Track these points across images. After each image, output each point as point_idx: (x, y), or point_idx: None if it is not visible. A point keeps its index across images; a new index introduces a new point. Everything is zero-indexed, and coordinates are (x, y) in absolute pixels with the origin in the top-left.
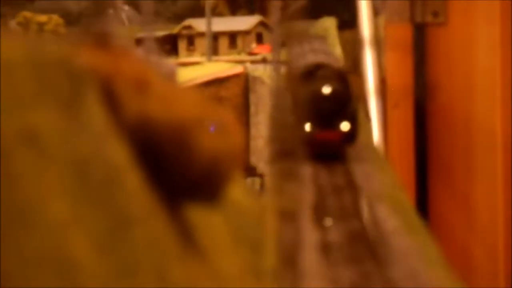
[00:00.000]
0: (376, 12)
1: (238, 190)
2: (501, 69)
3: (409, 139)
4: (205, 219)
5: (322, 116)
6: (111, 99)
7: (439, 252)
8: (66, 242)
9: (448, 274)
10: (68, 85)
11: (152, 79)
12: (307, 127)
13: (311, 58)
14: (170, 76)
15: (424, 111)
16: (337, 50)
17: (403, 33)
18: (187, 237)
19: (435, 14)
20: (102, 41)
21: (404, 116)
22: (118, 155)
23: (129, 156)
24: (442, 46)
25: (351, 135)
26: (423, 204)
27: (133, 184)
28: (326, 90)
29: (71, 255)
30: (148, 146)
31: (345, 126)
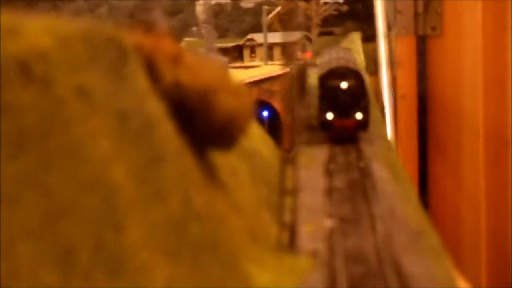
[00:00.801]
0: (389, 28)
1: (259, 141)
2: (483, 70)
3: (413, 122)
4: (227, 162)
5: (340, 107)
6: (152, 68)
7: (416, 197)
8: (109, 171)
9: (420, 213)
10: (115, 56)
11: (184, 56)
12: (329, 115)
13: (335, 64)
14: (223, 66)
15: (424, 101)
16: (360, 58)
17: (409, 43)
18: (210, 174)
19: (433, 28)
20: (148, 28)
21: (410, 105)
22: (156, 108)
23: (165, 110)
24: (438, 53)
25: (364, 123)
26: (424, 172)
27: (166, 130)
28: (344, 85)
29: (113, 181)
30: (180, 104)
31: (358, 115)
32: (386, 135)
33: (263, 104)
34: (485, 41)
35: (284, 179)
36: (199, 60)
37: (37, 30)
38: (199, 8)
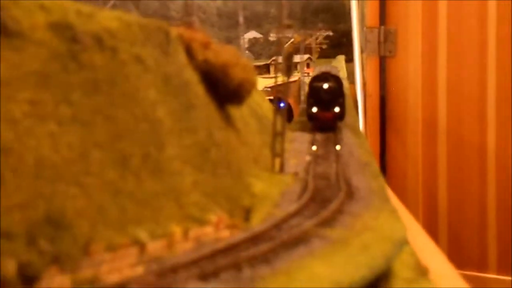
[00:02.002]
0: (362, 51)
1: (268, 111)
2: (421, 79)
3: (376, 112)
4: (242, 116)
5: (323, 102)
6: (189, 50)
7: (368, 147)
8: (155, 111)
9: (369, 154)
10: (162, 38)
11: (211, 43)
12: (314, 109)
13: (322, 71)
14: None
15: (384, 98)
16: (343, 71)
17: (374, 61)
18: (228, 120)
19: (390, 51)
20: (189, 25)
21: (374, 101)
22: (191, 75)
23: (197, 78)
24: (392, 68)
25: (340, 115)
26: (383, 146)
27: (198, 89)
28: (325, 86)
29: (157, 117)
30: (208, 74)
31: (336, 109)
32: (357, 121)
33: (280, 99)
34: (423, 60)
35: (276, 125)
36: (221, 46)
37: (108, 16)
38: (242, 40)
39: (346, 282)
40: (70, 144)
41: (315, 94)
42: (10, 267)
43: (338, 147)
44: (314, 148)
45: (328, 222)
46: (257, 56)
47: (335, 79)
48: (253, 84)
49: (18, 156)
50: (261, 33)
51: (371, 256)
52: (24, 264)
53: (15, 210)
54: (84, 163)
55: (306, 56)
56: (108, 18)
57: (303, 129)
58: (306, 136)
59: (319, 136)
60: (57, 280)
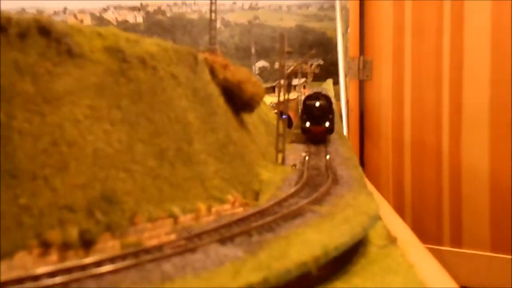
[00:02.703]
0: (345, 76)
1: (267, 109)
2: (392, 98)
3: (356, 124)
4: (252, 121)
5: (315, 118)
6: (212, 70)
7: (350, 147)
8: (186, 116)
9: (350, 151)
10: (192, 60)
11: (229, 65)
12: (307, 124)
13: (314, 92)
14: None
15: (362, 113)
16: (331, 92)
17: (355, 84)
18: (241, 124)
19: (367, 76)
20: (212, 52)
21: (355, 115)
22: (213, 89)
23: (218, 91)
24: (368, 89)
25: (330, 129)
26: (362, 157)
27: (219, 100)
28: (317, 104)
29: (188, 119)
30: (226, 88)
31: (326, 124)
32: (342, 128)
33: (282, 112)
34: (392, 83)
35: (279, 129)
36: (237, 67)
37: (150, 42)
38: (254, 68)
39: (332, 246)
40: (119, 139)
41: (308, 111)
42: (73, 233)
43: (327, 157)
44: (305, 153)
45: (318, 201)
46: (265, 80)
47: (326, 98)
48: (261, 97)
49: (80, 148)
50: (268, 62)
51: (351, 226)
52: (84, 231)
53: (77, 189)
54: (130, 154)
55: (303, 79)
56: (149, 44)
57: (299, 139)
58: (302, 143)
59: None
60: (109, 244)
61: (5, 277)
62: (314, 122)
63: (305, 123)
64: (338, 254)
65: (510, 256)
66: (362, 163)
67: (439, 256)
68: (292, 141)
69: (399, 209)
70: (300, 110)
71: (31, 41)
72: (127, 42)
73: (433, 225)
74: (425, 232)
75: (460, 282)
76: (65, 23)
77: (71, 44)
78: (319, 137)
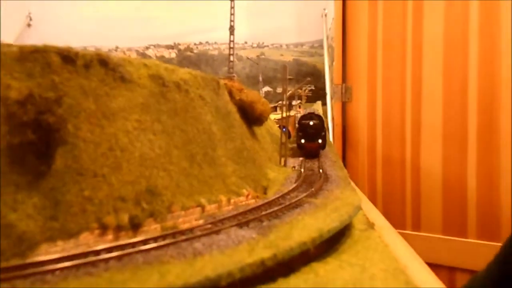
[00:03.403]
0: (331, 98)
1: (272, 124)
2: (366, 116)
3: (340, 136)
4: (261, 133)
5: (309, 136)
6: (230, 92)
7: (337, 154)
8: (211, 128)
9: (336, 156)
10: (215, 85)
11: (244, 89)
12: (302, 141)
13: (307, 112)
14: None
15: (345, 128)
16: (320, 111)
17: (338, 105)
18: (253, 135)
19: (348, 99)
20: (230, 79)
21: (339, 128)
22: (231, 107)
23: (235, 109)
24: (349, 109)
25: (323, 145)
26: (344, 161)
27: (235, 116)
28: (311, 123)
29: (212, 131)
30: (241, 107)
31: (319, 141)
32: (329, 139)
33: (283, 126)
34: (367, 104)
35: (281, 139)
36: (249, 91)
37: (183, 71)
38: (261, 92)
39: (326, 229)
40: (160, 146)
41: (303, 129)
42: (125, 219)
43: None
44: (301, 158)
45: (313, 195)
46: (269, 101)
47: (318, 117)
48: (268, 114)
49: (130, 152)
50: (271, 88)
51: (340, 214)
52: (133, 217)
53: (128, 184)
54: (168, 157)
55: (299, 101)
56: (183, 72)
57: (296, 150)
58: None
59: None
60: (152, 227)
61: (73, 251)
62: (308, 139)
63: (300, 140)
64: (330, 236)
65: (458, 238)
66: (344, 166)
67: (403, 238)
68: (291, 150)
69: (372, 202)
70: (296, 127)
71: (93, 70)
72: (166, 70)
73: (398, 214)
74: (392, 219)
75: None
76: (119, 57)
77: (124, 72)
78: (313, 152)
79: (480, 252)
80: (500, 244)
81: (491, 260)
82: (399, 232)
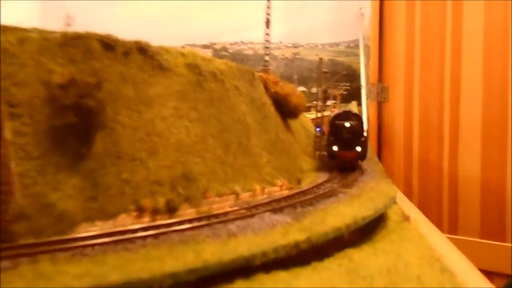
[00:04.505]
0: (367, 98)
1: (306, 120)
2: (403, 117)
3: (375, 135)
4: (295, 126)
5: (344, 141)
6: (266, 85)
7: (375, 155)
8: (246, 118)
9: (375, 156)
10: (250, 76)
11: (279, 81)
12: (335, 148)
13: (344, 110)
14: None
15: (380, 127)
16: (356, 111)
17: (374, 104)
18: (288, 127)
19: (384, 98)
20: (266, 72)
21: (374, 128)
22: (266, 99)
23: (270, 101)
24: (385, 109)
25: (362, 155)
26: (379, 157)
27: (270, 108)
28: (347, 124)
29: (247, 121)
30: (276, 99)
31: (358, 148)
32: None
33: (318, 125)
34: (404, 104)
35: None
36: (285, 83)
37: (219, 62)
38: None
39: (360, 217)
40: (196, 133)
41: (336, 132)
42: (161, 202)
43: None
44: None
45: (348, 185)
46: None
47: (357, 118)
48: (304, 107)
49: (166, 138)
50: (306, 88)
51: (375, 204)
52: (169, 201)
53: (164, 169)
54: (203, 145)
55: (334, 101)
56: (219, 63)
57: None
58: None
59: None
60: (187, 211)
61: (111, 230)
62: (343, 146)
63: (332, 146)
64: (364, 224)
65: (498, 243)
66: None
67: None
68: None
69: (409, 198)
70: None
71: (132, 57)
72: (203, 60)
73: (435, 217)
74: (428, 214)
75: None
76: (157, 45)
77: (161, 60)
78: (349, 164)
79: None
80: None
81: None
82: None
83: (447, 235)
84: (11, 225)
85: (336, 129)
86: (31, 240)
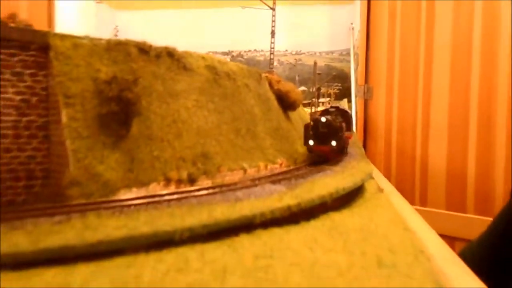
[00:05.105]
0: (356, 96)
1: (303, 112)
2: (384, 110)
3: (362, 127)
4: (293, 115)
5: (320, 136)
6: (270, 83)
7: (360, 142)
8: (253, 109)
9: (358, 141)
10: (257, 76)
11: (281, 80)
12: (311, 142)
13: (332, 106)
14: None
15: (366, 120)
16: (346, 107)
17: (361, 101)
18: (287, 117)
19: (369, 97)
20: (270, 72)
21: (360, 121)
22: (270, 95)
23: (274, 96)
24: (371, 105)
25: (339, 149)
26: (364, 148)
27: (273, 102)
28: (323, 119)
29: (255, 112)
30: (279, 95)
31: (333, 143)
32: (353, 129)
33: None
34: (385, 102)
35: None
36: (286, 82)
37: (232, 64)
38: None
39: (341, 187)
40: (212, 121)
41: (313, 126)
42: (184, 175)
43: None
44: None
45: (333, 164)
46: (304, 98)
47: (342, 113)
48: (301, 101)
49: (189, 125)
50: (306, 87)
51: (354, 178)
52: (190, 174)
53: (187, 149)
54: (218, 130)
55: (328, 98)
56: (232, 65)
57: None
58: None
59: None
60: (205, 182)
61: (144, 195)
62: (318, 141)
63: (308, 140)
64: (345, 193)
65: (460, 213)
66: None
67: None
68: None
69: (388, 177)
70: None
71: (162, 60)
72: (219, 63)
73: (408, 192)
74: (403, 196)
75: None
76: (182, 50)
77: (186, 62)
78: (324, 157)
79: (476, 225)
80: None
81: (484, 230)
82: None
83: (419, 207)
84: (66, 190)
85: (314, 123)
86: (82, 201)
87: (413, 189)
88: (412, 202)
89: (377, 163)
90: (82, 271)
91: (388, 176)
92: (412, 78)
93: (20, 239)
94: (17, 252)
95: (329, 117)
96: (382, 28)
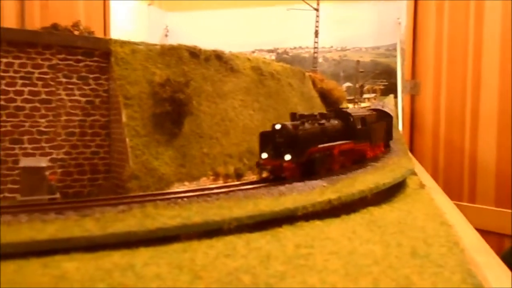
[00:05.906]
0: (402, 91)
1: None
2: (432, 106)
3: (408, 122)
4: None
5: (274, 149)
6: (313, 82)
7: (402, 137)
8: (297, 108)
9: (401, 138)
10: (301, 75)
11: (324, 79)
12: (263, 155)
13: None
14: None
15: (413, 115)
16: (391, 103)
17: (408, 97)
18: None
19: (417, 92)
20: (314, 72)
21: (407, 116)
22: (314, 93)
23: (317, 94)
24: (417, 101)
25: (295, 164)
26: (411, 144)
27: (317, 100)
28: (278, 126)
29: (298, 111)
30: (322, 93)
31: (287, 157)
32: (398, 124)
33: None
34: (433, 97)
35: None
36: (329, 81)
37: (277, 64)
38: (343, 87)
39: (381, 183)
40: (257, 119)
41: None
42: (231, 170)
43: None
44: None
45: (375, 160)
46: (349, 94)
47: (383, 116)
48: (343, 99)
49: (236, 123)
50: (351, 83)
51: (394, 174)
52: (237, 169)
53: (234, 146)
54: (263, 128)
55: (374, 94)
56: (277, 65)
57: None
58: None
59: None
60: (250, 177)
61: (195, 188)
62: (272, 154)
63: (260, 154)
64: (385, 188)
65: (509, 210)
66: (411, 148)
67: (460, 210)
68: None
69: (434, 178)
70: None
71: (211, 62)
72: (264, 63)
73: (456, 188)
74: (451, 192)
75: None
76: (230, 53)
77: (233, 64)
78: (275, 173)
79: None
80: None
81: None
82: (456, 204)
83: (467, 204)
84: (126, 183)
85: (271, 131)
86: (140, 193)
87: (462, 185)
88: (460, 199)
89: (424, 158)
90: (143, 254)
91: (435, 171)
92: (461, 72)
93: (91, 225)
94: (89, 236)
95: (288, 123)
96: (429, 23)
